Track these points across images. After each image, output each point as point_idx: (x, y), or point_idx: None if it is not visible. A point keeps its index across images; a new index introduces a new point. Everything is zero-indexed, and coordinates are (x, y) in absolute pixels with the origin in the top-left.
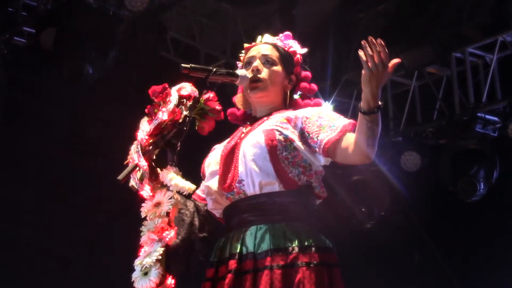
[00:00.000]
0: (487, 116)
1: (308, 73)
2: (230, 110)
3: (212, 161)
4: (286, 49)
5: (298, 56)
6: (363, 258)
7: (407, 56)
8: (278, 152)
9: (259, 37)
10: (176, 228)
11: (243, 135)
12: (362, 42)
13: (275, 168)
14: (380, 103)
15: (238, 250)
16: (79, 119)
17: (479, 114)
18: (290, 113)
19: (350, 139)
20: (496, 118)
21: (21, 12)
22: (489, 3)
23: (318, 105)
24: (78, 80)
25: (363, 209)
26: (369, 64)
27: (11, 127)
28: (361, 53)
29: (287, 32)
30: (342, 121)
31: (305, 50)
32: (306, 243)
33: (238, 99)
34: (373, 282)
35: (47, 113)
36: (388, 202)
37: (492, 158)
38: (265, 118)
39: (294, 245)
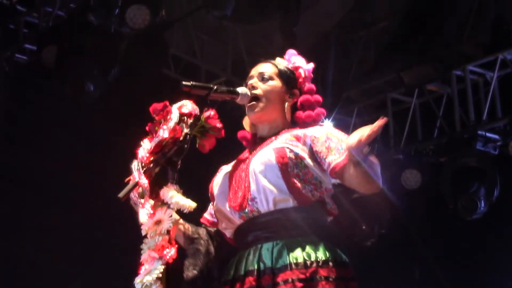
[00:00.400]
0: (488, 134)
1: (312, 86)
2: (241, 134)
3: (221, 181)
4: (290, 66)
5: (301, 70)
6: (364, 274)
7: (408, 74)
8: (289, 169)
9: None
10: (176, 246)
11: (251, 154)
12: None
13: (287, 184)
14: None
15: (256, 267)
16: (79, 136)
17: (479, 132)
18: (298, 131)
19: None
20: (496, 136)
21: (22, 29)
22: (490, 21)
23: (320, 115)
24: (80, 97)
25: (364, 227)
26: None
27: (12, 144)
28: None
29: (291, 50)
30: None
31: (311, 65)
32: (324, 258)
33: (245, 121)
34: None
35: (47, 130)
36: (388, 220)
37: (493, 176)
38: (273, 137)
39: (312, 259)
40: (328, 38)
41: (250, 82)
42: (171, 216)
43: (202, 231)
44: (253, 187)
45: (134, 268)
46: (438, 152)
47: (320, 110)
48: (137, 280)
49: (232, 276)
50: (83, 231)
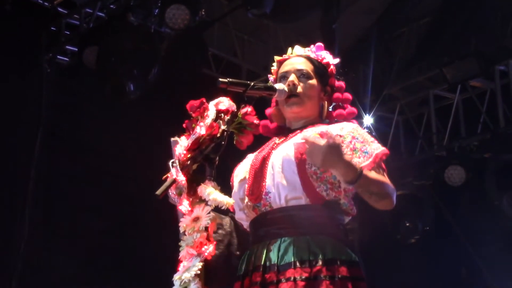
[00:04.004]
0: None
1: (342, 83)
2: (263, 122)
3: (242, 171)
4: (319, 60)
5: (332, 67)
6: (409, 272)
7: (450, 70)
8: (306, 166)
9: (290, 49)
10: (215, 242)
11: (275, 146)
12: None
13: (302, 182)
14: (358, 170)
15: (262, 262)
16: (119, 139)
17: None
18: (323, 128)
19: None
20: None
21: (64, 31)
22: None
23: (352, 114)
24: (120, 97)
25: (407, 224)
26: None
27: (53, 148)
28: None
29: (318, 43)
30: (376, 147)
31: (337, 61)
32: (330, 257)
33: (273, 113)
34: None
35: (87, 131)
36: (432, 217)
37: None
38: (299, 131)
39: (318, 258)
40: (369, 34)
41: (290, 79)
42: (209, 213)
43: (226, 222)
44: (269, 181)
45: (172, 265)
46: (482, 148)
47: (351, 109)
48: (176, 277)
49: (244, 271)
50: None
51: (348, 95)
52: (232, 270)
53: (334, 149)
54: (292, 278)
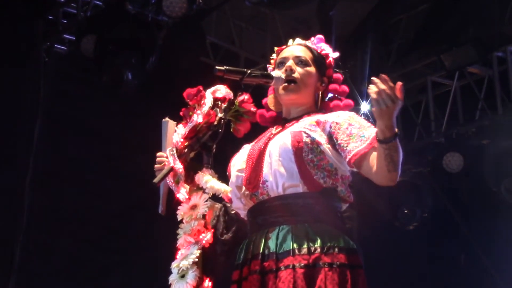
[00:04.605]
0: None
1: (339, 75)
2: (259, 112)
3: (239, 160)
4: (318, 51)
5: (330, 59)
6: (408, 259)
7: (448, 57)
8: (303, 154)
9: (290, 41)
10: (212, 230)
11: (271, 135)
12: (372, 80)
13: (299, 170)
14: (396, 130)
15: (260, 251)
16: (117, 127)
17: None
18: (320, 117)
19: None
20: None
21: (61, 20)
22: None
23: (349, 106)
24: (118, 86)
25: (406, 211)
26: (379, 100)
27: (52, 136)
28: (371, 90)
29: (319, 35)
30: (372, 131)
31: (337, 54)
32: (328, 244)
33: (269, 100)
34: (418, 283)
35: (86, 120)
36: (431, 204)
37: None
38: (295, 120)
39: (316, 245)
40: (367, 22)
41: (287, 64)
42: (207, 200)
43: (216, 207)
44: (266, 170)
45: (171, 254)
46: (480, 134)
47: (348, 101)
48: (174, 264)
49: (242, 260)
50: (120, 219)
51: (345, 88)
52: (218, 255)
53: (395, 102)
54: (291, 265)
